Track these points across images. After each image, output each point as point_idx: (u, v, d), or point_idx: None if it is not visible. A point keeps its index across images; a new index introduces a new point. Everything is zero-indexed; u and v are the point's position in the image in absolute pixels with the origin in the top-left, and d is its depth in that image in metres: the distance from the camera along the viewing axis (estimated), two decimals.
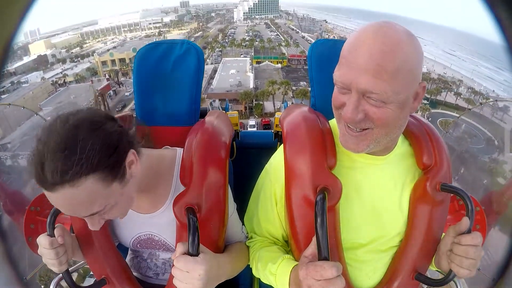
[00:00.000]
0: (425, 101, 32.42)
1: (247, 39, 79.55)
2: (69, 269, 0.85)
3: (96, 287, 0.91)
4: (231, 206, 0.96)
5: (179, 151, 0.95)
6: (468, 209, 0.75)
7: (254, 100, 34.94)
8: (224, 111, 1.23)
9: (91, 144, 0.66)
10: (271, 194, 0.93)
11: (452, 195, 0.83)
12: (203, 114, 1.15)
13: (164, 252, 1.02)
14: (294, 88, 35.49)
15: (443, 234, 0.90)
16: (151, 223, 0.94)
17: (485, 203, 1.26)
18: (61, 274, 0.86)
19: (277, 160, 0.95)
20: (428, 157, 0.85)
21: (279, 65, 47.23)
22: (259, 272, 0.92)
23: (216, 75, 41.09)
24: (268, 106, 34.80)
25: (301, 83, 39.50)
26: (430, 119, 30.64)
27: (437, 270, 1.11)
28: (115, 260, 0.94)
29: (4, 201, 1.31)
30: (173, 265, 0.73)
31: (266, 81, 35.03)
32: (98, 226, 0.75)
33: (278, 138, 1.49)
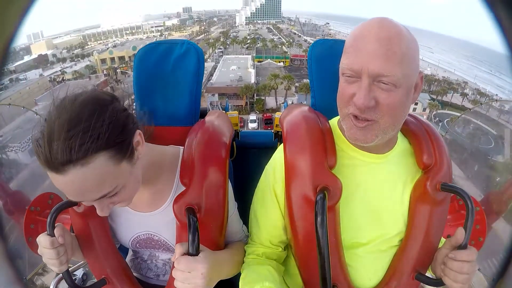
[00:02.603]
0: (433, 101, 32.63)
1: (249, 38, 78.87)
2: (69, 269, 0.84)
3: (96, 287, 0.90)
4: (232, 205, 0.96)
5: (182, 149, 0.94)
6: (468, 209, 0.75)
7: (255, 95, 33.90)
8: (224, 111, 1.23)
9: (101, 121, 0.64)
10: (272, 195, 0.92)
11: (452, 194, 0.83)
12: (203, 114, 1.15)
13: (164, 252, 1.01)
14: (297, 84, 34.64)
15: (442, 238, 0.90)
16: (150, 222, 0.93)
17: (484, 203, 1.26)
18: (61, 274, 0.85)
19: (276, 160, 0.94)
20: (428, 156, 0.85)
21: (282, 64, 46.76)
22: None
23: (216, 71, 40.13)
24: (270, 102, 33.71)
25: (304, 80, 38.12)
26: (437, 118, 30.61)
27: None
28: (115, 260, 0.94)
29: (5, 200, 1.31)
30: (173, 267, 0.73)
31: (268, 75, 34.06)
32: (107, 211, 0.73)
33: (278, 138, 1.49)
